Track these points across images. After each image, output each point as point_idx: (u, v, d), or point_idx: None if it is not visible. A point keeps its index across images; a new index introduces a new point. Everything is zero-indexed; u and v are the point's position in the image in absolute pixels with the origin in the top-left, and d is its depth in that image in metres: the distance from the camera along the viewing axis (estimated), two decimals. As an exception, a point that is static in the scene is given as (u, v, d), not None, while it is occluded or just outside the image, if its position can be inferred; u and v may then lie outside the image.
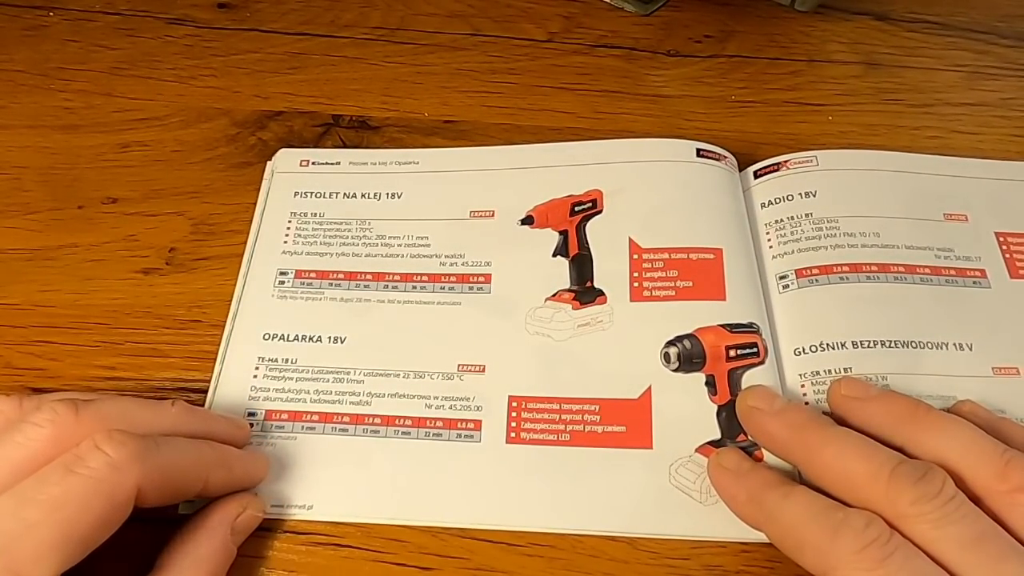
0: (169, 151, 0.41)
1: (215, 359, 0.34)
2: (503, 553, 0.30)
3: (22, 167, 0.40)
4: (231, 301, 0.36)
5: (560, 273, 0.36)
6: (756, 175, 0.39)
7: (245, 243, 0.37)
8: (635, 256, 0.35)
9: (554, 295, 0.35)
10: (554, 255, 0.36)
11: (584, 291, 0.35)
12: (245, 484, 0.30)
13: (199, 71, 0.44)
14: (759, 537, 0.29)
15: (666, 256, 0.35)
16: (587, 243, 0.36)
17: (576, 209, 0.37)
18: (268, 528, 0.30)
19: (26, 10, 0.47)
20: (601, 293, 0.35)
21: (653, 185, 0.38)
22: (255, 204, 0.39)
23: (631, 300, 0.34)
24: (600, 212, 0.37)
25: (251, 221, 0.38)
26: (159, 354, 0.34)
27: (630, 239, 0.36)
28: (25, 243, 0.38)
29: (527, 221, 0.37)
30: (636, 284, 0.35)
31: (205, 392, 0.33)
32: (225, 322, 0.35)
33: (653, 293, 0.34)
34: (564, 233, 0.37)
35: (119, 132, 0.42)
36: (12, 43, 0.46)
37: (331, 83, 0.44)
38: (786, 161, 0.38)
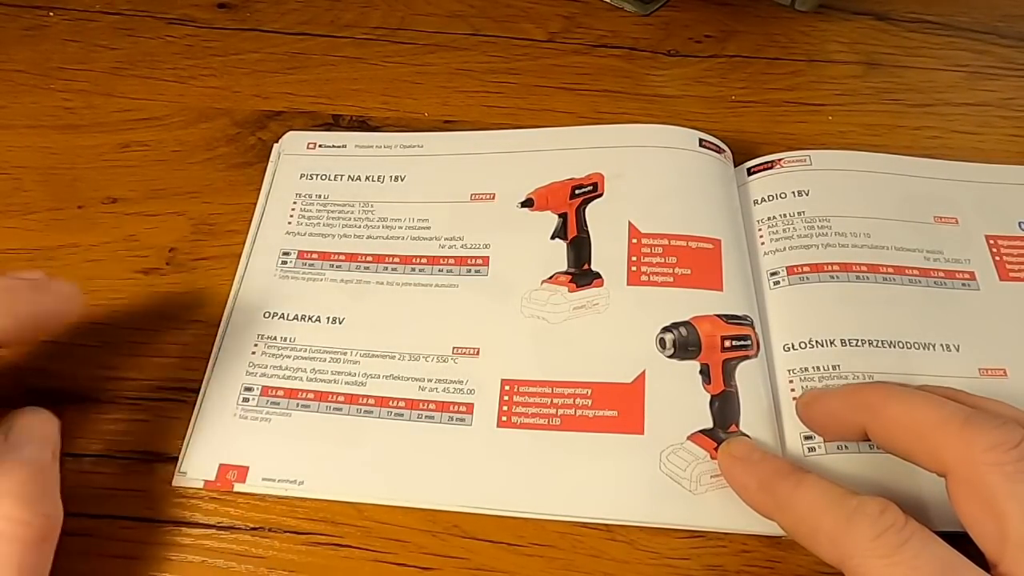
0: (169, 151, 0.41)
1: (215, 344, 0.34)
2: (503, 553, 0.30)
3: (22, 167, 0.40)
4: (232, 283, 0.36)
5: (558, 256, 0.36)
6: (750, 172, 0.39)
7: (244, 243, 0.37)
8: (634, 240, 0.35)
9: (551, 277, 0.35)
10: (552, 237, 0.36)
11: (581, 274, 0.35)
12: (59, 305, 0.29)
13: (199, 71, 0.44)
14: (750, 528, 0.29)
15: (666, 242, 0.35)
16: (586, 226, 0.36)
17: (576, 192, 0.37)
18: (267, 527, 0.30)
19: (26, 10, 0.47)
20: (598, 276, 0.35)
21: (655, 171, 0.38)
22: (255, 204, 0.39)
23: (628, 284, 0.34)
24: (600, 196, 0.37)
25: (251, 220, 0.38)
26: (159, 354, 0.34)
27: (630, 223, 0.36)
28: (25, 243, 0.38)
29: (527, 203, 0.37)
30: (634, 268, 0.35)
31: (197, 392, 0.33)
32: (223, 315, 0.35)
33: (651, 278, 0.34)
34: (563, 216, 0.37)
35: (119, 132, 0.42)
36: (12, 43, 0.46)
37: (331, 83, 0.44)
38: (779, 160, 0.39)
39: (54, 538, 0.26)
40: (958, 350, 0.33)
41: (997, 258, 0.36)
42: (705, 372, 0.32)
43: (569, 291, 0.35)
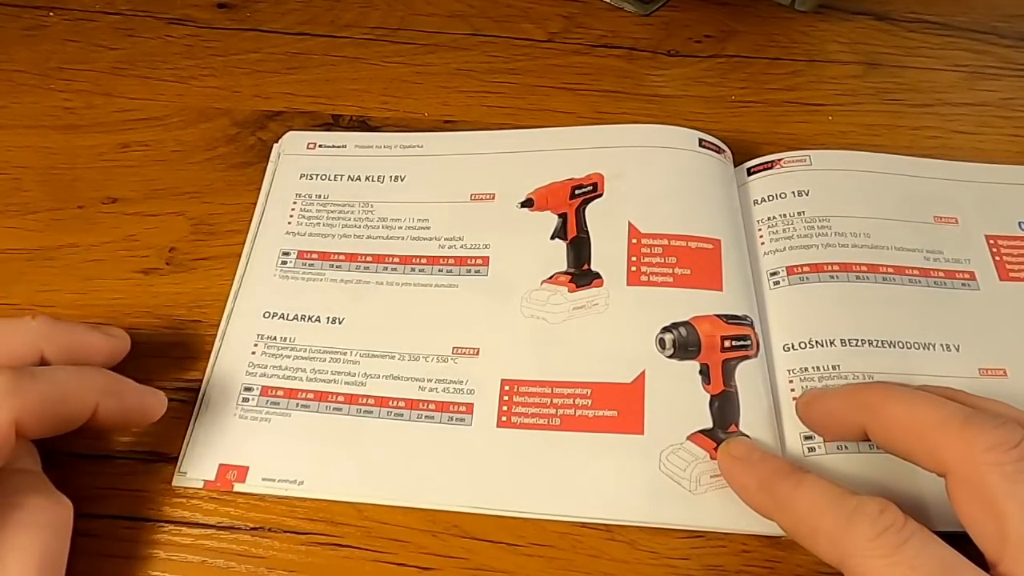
0: (169, 151, 0.41)
1: (215, 344, 0.34)
2: (503, 553, 0.30)
3: (22, 167, 0.40)
4: (232, 283, 0.36)
5: (558, 256, 0.36)
6: (749, 172, 0.39)
7: (244, 243, 0.37)
8: (634, 240, 0.35)
9: (550, 278, 0.35)
10: (552, 238, 0.36)
11: (580, 274, 0.35)
12: (138, 417, 0.29)
13: (199, 71, 0.44)
14: (749, 528, 0.29)
15: (665, 242, 0.35)
16: (586, 226, 0.36)
17: (576, 192, 0.37)
18: (267, 527, 0.30)
19: (26, 10, 0.47)
20: (598, 276, 0.35)
21: (655, 171, 0.38)
22: (255, 204, 0.39)
23: (628, 284, 0.34)
24: (600, 196, 0.37)
25: (251, 220, 0.38)
26: (159, 354, 0.34)
27: (630, 223, 0.36)
28: (25, 243, 0.38)
29: (527, 204, 0.37)
30: (634, 268, 0.35)
31: (197, 392, 0.33)
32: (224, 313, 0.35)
33: (650, 278, 0.34)
34: (563, 216, 0.37)
35: (119, 132, 0.42)
36: (12, 43, 0.46)
37: (331, 83, 0.44)
38: (779, 160, 0.39)
39: (70, 526, 0.27)
40: (958, 350, 0.33)
41: (997, 258, 0.36)
42: (705, 372, 0.32)
43: (569, 291, 0.35)
